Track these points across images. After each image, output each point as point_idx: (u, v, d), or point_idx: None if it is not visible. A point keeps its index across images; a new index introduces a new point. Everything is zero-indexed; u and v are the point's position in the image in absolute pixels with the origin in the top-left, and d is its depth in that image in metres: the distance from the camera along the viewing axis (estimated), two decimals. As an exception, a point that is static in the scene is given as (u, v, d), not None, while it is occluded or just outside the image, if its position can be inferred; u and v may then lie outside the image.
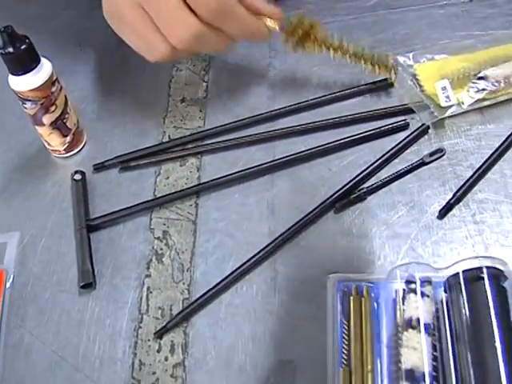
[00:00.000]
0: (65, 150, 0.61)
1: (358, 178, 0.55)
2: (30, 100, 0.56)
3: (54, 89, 0.57)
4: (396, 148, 0.56)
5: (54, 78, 0.57)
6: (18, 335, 0.51)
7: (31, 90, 0.55)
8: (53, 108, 0.57)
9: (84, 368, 0.49)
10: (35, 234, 0.57)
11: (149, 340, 0.49)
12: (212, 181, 0.57)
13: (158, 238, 0.54)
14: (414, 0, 0.71)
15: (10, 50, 0.53)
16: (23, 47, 0.54)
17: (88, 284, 0.52)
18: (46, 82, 0.56)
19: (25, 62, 0.55)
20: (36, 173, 0.61)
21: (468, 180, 0.54)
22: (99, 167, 0.60)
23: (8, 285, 0.54)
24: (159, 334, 0.49)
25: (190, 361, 0.48)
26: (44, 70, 0.56)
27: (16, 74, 0.55)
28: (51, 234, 0.56)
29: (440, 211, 0.52)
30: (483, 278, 0.44)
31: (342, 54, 0.60)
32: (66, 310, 0.52)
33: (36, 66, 0.55)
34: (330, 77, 0.64)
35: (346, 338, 0.46)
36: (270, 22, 0.58)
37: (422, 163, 0.56)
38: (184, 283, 0.52)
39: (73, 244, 0.55)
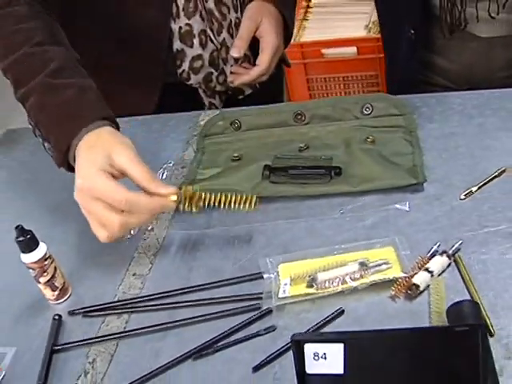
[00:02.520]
0: (54, 299, 0.96)
1: (215, 339, 0.85)
2: (31, 268, 0.92)
3: (46, 262, 0.92)
4: (245, 322, 0.86)
5: (47, 255, 0.92)
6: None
7: (32, 263, 0.91)
8: (45, 274, 0.93)
9: None
10: (24, 350, 0.91)
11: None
12: (131, 331, 0.89)
13: (89, 363, 0.87)
14: (306, 212, 1.01)
15: (21, 238, 0.90)
16: (28, 237, 0.90)
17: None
18: (41, 258, 0.91)
19: (29, 246, 0.91)
20: (35, 312, 0.96)
21: (279, 349, 0.83)
22: (72, 313, 0.94)
23: (0, 378, 0.88)
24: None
25: None
26: (41, 250, 0.91)
27: (24, 252, 0.91)
28: (34, 351, 0.90)
29: (255, 367, 0.81)
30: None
31: (218, 203, 0.94)
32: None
33: (35, 249, 0.91)
34: (228, 270, 0.96)
35: None
36: (171, 197, 0.91)
37: (257, 334, 0.85)
38: (93, 394, 0.84)
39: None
